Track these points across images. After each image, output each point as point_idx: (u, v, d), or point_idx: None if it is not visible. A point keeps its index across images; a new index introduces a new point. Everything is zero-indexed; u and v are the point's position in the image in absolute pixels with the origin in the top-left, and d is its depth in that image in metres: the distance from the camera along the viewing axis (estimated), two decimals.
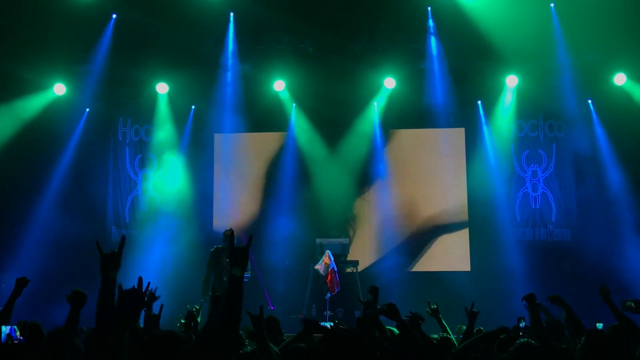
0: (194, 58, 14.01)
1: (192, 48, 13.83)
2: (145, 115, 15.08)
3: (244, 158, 15.27)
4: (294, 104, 14.91)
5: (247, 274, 3.24)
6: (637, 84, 13.83)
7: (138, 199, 15.10)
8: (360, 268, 13.76)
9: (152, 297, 6.19)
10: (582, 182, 14.41)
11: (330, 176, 14.88)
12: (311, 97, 14.34)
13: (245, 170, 15.25)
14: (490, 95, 14.56)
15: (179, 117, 14.95)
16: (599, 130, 14.22)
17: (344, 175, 14.94)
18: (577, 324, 5.86)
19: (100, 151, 15.16)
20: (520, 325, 6.22)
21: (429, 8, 13.51)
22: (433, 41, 13.85)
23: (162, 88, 14.54)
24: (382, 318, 5.70)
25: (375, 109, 14.91)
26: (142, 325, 6.04)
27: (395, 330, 6.06)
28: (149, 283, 6.06)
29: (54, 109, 14.28)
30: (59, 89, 14.31)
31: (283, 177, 15.04)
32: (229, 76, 14.32)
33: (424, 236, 14.67)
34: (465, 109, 14.70)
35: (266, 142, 15.39)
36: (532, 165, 14.72)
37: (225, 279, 11.20)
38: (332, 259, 12.28)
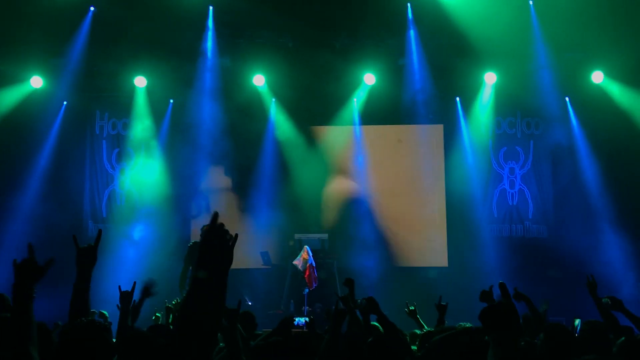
0: (173, 52, 13.91)
1: (171, 41, 13.73)
2: (123, 109, 14.97)
3: (222, 152, 15.21)
4: (273, 99, 14.88)
5: None
6: (614, 81, 13.95)
7: (115, 194, 14.99)
8: (338, 263, 13.77)
9: (148, 292, 6.16)
10: (559, 179, 14.54)
11: (310, 171, 14.88)
12: (291, 92, 14.31)
13: (223, 165, 15.20)
14: (469, 92, 14.64)
15: (157, 110, 14.86)
16: (576, 128, 14.35)
17: (323, 171, 14.96)
18: (538, 318, 5.93)
19: (77, 145, 15.03)
20: None
21: (409, 4, 13.54)
22: (412, 37, 13.89)
23: (140, 81, 14.45)
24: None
25: (355, 105, 14.92)
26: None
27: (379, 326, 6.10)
28: (134, 283, 6.05)
29: (31, 101, 14.12)
30: (36, 81, 14.16)
31: (262, 172, 15.01)
32: (208, 70, 14.25)
33: (402, 232, 14.71)
34: (444, 105, 14.76)
35: (245, 137, 15.33)
36: (510, 162, 14.82)
37: None
38: (311, 254, 12.29)
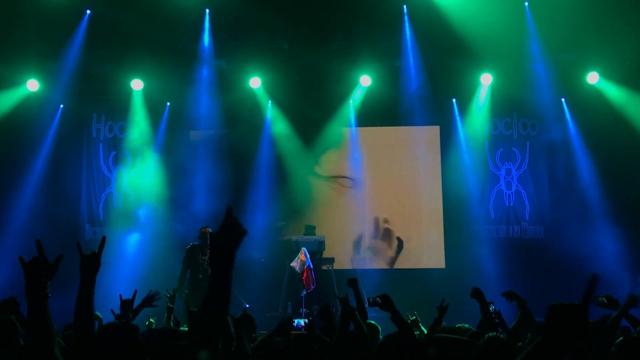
0: (169, 54, 13.93)
1: (168, 44, 13.76)
2: (119, 112, 14.97)
3: (219, 155, 15.22)
4: (269, 101, 14.89)
5: None
6: (609, 82, 13.98)
7: (112, 197, 14.98)
8: (336, 265, 13.79)
9: (150, 302, 6.22)
10: (556, 180, 14.56)
11: (306, 173, 14.91)
12: (287, 94, 14.32)
13: (220, 167, 15.19)
14: (465, 94, 14.67)
15: (154, 113, 14.86)
16: (573, 129, 14.37)
17: (320, 173, 14.98)
18: (530, 319, 5.95)
19: (74, 148, 15.01)
20: (490, 309, 6.31)
21: (405, 6, 13.56)
22: (408, 39, 13.91)
23: (137, 84, 14.44)
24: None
25: (351, 107, 14.93)
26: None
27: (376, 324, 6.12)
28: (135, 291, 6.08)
29: (27, 105, 14.11)
30: (32, 85, 14.15)
31: (259, 174, 15.02)
32: (205, 73, 14.26)
33: (398, 233, 14.71)
34: (440, 106, 14.78)
35: (242, 139, 15.33)
36: (506, 163, 14.85)
37: (201, 276, 11.19)
38: (308, 256, 12.30)
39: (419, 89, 14.19)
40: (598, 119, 13.80)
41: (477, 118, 14.73)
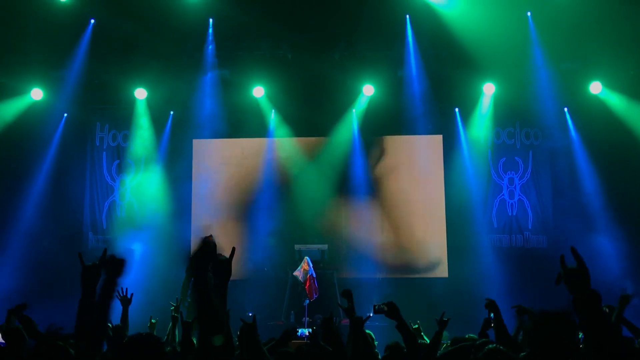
0: (173, 64, 13.98)
1: (171, 54, 13.82)
2: (123, 121, 15.01)
3: (222, 164, 15.26)
4: (272, 110, 14.92)
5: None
6: (612, 92, 13.98)
7: (115, 205, 15.00)
8: (338, 274, 13.78)
9: (126, 300, 6.31)
10: (558, 189, 14.54)
11: (309, 182, 14.91)
12: (290, 103, 14.35)
13: (223, 176, 15.23)
14: (468, 103, 14.67)
15: (157, 122, 14.90)
16: (575, 138, 14.36)
17: (323, 182, 14.97)
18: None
19: (78, 156, 15.06)
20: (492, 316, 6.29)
21: (407, 16, 13.60)
22: (411, 48, 13.93)
23: (140, 93, 14.48)
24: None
25: (354, 116, 14.95)
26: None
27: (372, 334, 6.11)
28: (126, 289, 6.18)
29: (32, 114, 14.17)
30: (37, 93, 14.20)
31: (262, 183, 15.05)
32: (208, 82, 14.29)
33: (402, 242, 14.70)
34: (443, 116, 14.77)
35: (245, 148, 15.37)
36: (509, 172, 14.84)
37: None
38: (311, 265, 12.30)
39: (421, 99, 14.19)
40: (601, 128, 13.79)
41: (479, 127, 14.73)
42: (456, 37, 12.83)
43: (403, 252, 14.56)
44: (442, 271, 14.51)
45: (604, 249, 13.53)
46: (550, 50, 13.28)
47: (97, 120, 15.20)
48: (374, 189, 15.04)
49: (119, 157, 15.11)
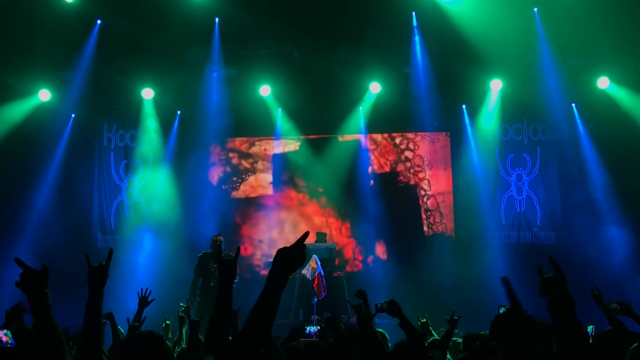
0: (180, 63, 13.99)
1: (178, 53, 13.83)
2: (130, 121, 15.06)
3: (230, 163, 15.29)
4: (279, 109, 14.92)
5: (235, 280, 3.30)
6: (620, 87, 13.93)
7: (123, 205, 15.05)
8: (346, 272, 13.78)
9: (145, 301, 6.29)
10: (567, 185, 14.49)
11: (316, 180, 14.95)
12: (297, 102, 14.34)
13: (230, 175, 15.26)
14: (475, 99, 14.63)
15: (164, 122, 14.94)
16: (583, 133, 14.31)
17: (330, 179, 15.00)
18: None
19: (86, 157, 15.12)
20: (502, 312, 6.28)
21: (414, 13, 13.57)
22: (418, 46, 13.90)
23: (147, 93, 14.51)
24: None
25: (361, 114, 14.94)
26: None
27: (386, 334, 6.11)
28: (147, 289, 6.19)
29: (39, 115, 14.22)
30: (44, 95, 14.26)
31: (269, 181, 15.08)
32: (215, 81, 14.31)
33: (409, 240, 14.68)
34: (450, 113, 14.76)
35: (252, 147, 15.39)
36: (517, 168, 14.80)
37: (212, 284, 11.20)
38: (319, 263, 12.29)
39: (428, 96, 14.16)
40: (609, 123, 13.72)
41: (487, 124, 14.69)
42: (462, 33, 12.78)
43: (411, 250, 14.50)
44: (450, 268, 14.44)
45: (614, 244, 13.49)
46: (557, 46, 13.22)
47: (104, 120, 15.25)
48: (381, 186, 15.03)
49: (127, 157, 15.16)
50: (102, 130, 15.25)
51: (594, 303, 6.14)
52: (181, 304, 7.60)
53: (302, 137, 15.12)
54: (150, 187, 14.91)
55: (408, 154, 15.21)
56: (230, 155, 15.35)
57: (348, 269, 14.42)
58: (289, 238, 14.79)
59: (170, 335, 7.43)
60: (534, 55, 13.42)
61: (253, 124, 14.92)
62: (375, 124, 14.94)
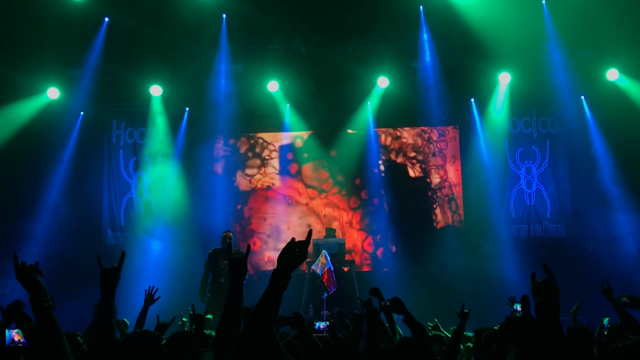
0: (187, 60, 14.02)
1: (185, 50, 13.86)
2: (139, 118, 15.09)
3: (239, 158, 15.31)
4: (287, 104, 14.92)
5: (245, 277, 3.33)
6: (629, 79, 13.86)
7: (133, 202, 15.08)
8: (356, 267, 13.78)
9: (151, 299, 6.31)
10: (576, 178, 14.44)
11: (325, 175, 14.98)
12: (305, 97, 14.32)
13: (239, 170, 15.28)
14: (484, 93, 14.59)
15: (173, 119, 14.96)
16: (592, 126, 14.25)
17: (339, 174, 15.02)
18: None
19: (95, 154, 15.16)
20: (516, 308, 6.27)
21: (421, 7, 13.54)
22: (425, 39, 13.87)
23: (155, 90, 14.53)
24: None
25: (369, 108, 14.92)
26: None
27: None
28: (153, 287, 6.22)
29: (48, 113, 14.27)
30: (53, 93, 14.30)
31: (279, 178, 15.10)
32: (223, 78, 14.32)
33: (419, 234, 14.65)
34: (458, 106, 14.72)
35: (261, 142, 15.41)
36: (526, 162, 14.75)
37: (222, 280, 11.22)
38: (329, 258, 12.29)
39: (436, 89, 14.14)
40: (618, 115, 13.67)
41: (496, 117, 14.65)
42: (470, 26, 12.75)
43: (420, 244, 14.48)
44: (460, 262, 14.42)
45: (625, 237, 13.45)
46: (565, 38, 13.17)
47: (113, 118, 15.29)
48: (390, 181, 15.02)
49: (136, 154, 15.19)
50: (111, 128, 15.29)
51: (602, 297, 6.13)
52: (189, 309, 7.61)
53: (310, 132, 15.11)
54: (160, 183, 14.94)
55: (417, 147, 15.17)
56: (239, 151, 15.35)
57: (357, 262, 14.41)
58: (297, 231, 14.82)
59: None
60: (543, 48, 13.38)
61: (261, 120, 14.94)
62: (384, 118, 14.91)
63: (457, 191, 14.92)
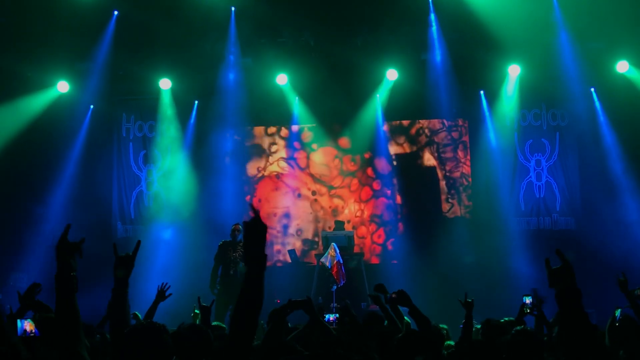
0: (196, 53, 14.03)
1: (194, 43, 13.87)
2: (148, 111, 15.12)
3: (247, 152, 15.33)
4: (296, 97, 14.92)
5: None
6: (639, 71, 13.80)
7: (142, 195, 15.13)
8: (365, 260, 13.81)
9: (162, 295, 6.36)
10: (586, 170, 14.39)
11: (334, 168, 15.00)
12: (314, 90, 14.32)
13: (248, 163, 15.31)
14: (493, 85, 14.54)
15: (182, 112, 14.99)
16: (602, 118, 14.20)
17: (348, 165, 15.04)
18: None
19: (105, 148, 15.20)
20: (525, 301, 6.28)
21: None
22: (434, 32, 13.85)
23: (165, 84, 14.56)
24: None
25: (378, 101, 14.91)
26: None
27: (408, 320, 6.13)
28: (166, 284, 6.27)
29: (58, 106, 14.32)
30: (62, 86, 14.35)
31: (287, 171, 15.13)
32: (232, 71, 14.34)
33: (427, 227, 14.64)
34: (467, 99, 14.67)
35: (270, 135, 15.42)
36: (536, 154, 14.71)
37: (232, 272, 11.27)
38: (338, 251, 12.31)
39: (445, 82, 14.11)
40: (628, 108, 13.62)
41: (505, 109, 14.60)
42: (480, 18, 12.70)
43: (430, 236, 14.46)
44: (469, 254, 14.40)
45: (635, 230, 13.41)
46: (575, 30, 13.11)
47: (122, 111, 15.32)
48: (399, 174, 15.02)
49: (145, 148, 15.22)
50: (120, 121, 15.32)
51: (615, 288, 6.10)
52: (194, 306, 7.65)
53: (319, 124, 15.10)
54: (169, 176, 14.99)
55: (426, 140, 15.15)
56: (248, 143, 15.37)
57: (367, 253, 14.45)
58: (306, 224, 14.86)
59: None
60: (552, 40, 13.33)
61: (270, 112, 14.94)
62: (393, 111, 14.89)
63: (467, 183, 14.90)
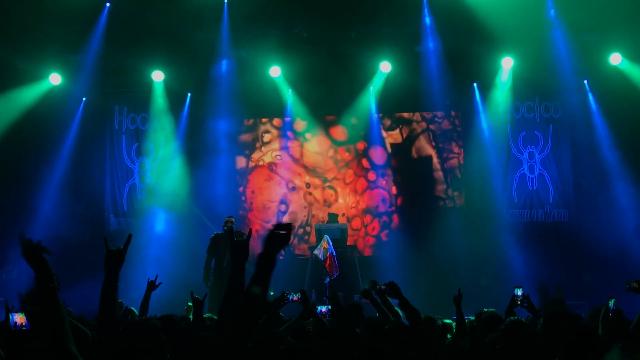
0: (189, 45, 13.99)
1: (187, 35, 13.81)
2: (141, 104, 15.08)
3: (240, 144, 15.31)
4: (290, 90, 14.90)
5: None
6: (632, 63, 13.82)
7: (135, 187, 15.10)
8: (358, 252, 13.82)
9: (153, 285, 6.36)
10: (579, 162, 14.42)
11: (328, 161, 14.99)
12: (307, 82, 14.30)
13: (241, 156, 15.29)
14: (486, 78, 14.55)
15: (175, 104, 14.94)
16: (595, 111, 14.22)
17: (342, 157, 15.04)
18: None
19: (97, 140, 15.15)
20: (517, 293, 6.29)
21: None
22: (428, 24, 13.83)
23: (157, 76, 14.52)
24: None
25: (371, 93, 14.90)
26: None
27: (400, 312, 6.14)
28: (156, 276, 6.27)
29: (50, 98, 14.25)
30: (55, 78, 14.28)
31: (281, 163, 15.11)
32: (225, 63, 14.32)
33: (421, 219, 14.66)
34: (461, 91, 14.68)
35: (263, 128, 15.40)
36: (529, 146, 14.73)
37: (225, 265, 11.26)
38: (331, 243, 12.32)
39: (439, 74, 14.10)
40: (621, 100, 13.64)
41: (498, 102, 14.62)
42: (473, 10, 12.70)
43: (423, 229, 14.47)
44: (463, 247, 14.43)
45: (627, 221, 13.46)
46: (568, 22, 13.12)
47: (115, 103, 15.27)
48: (392, 166, 15.03)
49: (138, 140, 15.18)
50: (113, 114, 15.27)
51: (608, 279, 6.13)
52: (188, 298, 7.64)
53: (312, 116, 15.09)
54: (162, 169, 14.95)
55: (420, 132, 15.16)
56: (241, 136, 15.34)
57: (361, 245, 14.47)
58: (300, 213, 14.87)
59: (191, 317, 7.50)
60: (546, 32, 13.35)
61: (263, 105, 14.92)
62: (386, 103, 14.89)
63: (460, 176, 14.92)
